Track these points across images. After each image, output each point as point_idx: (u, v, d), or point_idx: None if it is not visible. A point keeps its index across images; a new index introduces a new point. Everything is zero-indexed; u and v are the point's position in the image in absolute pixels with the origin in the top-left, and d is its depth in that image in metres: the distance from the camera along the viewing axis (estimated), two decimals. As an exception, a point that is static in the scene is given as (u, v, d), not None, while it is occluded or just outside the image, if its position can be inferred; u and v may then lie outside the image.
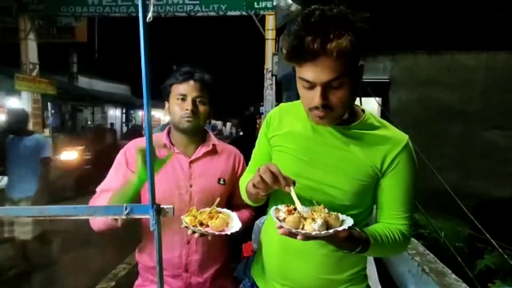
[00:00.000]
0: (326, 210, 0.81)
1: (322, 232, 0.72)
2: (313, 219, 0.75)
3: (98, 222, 1.15)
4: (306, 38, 0.75)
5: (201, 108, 1.21)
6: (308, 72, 0.79)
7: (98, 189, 1.21)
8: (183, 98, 1.19)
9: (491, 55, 5.51)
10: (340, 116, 0.88)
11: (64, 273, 3.30)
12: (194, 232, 0.97)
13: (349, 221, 0.78)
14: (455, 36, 5.45)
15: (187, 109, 1.18)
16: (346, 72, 0.78)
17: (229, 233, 0.98)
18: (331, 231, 0.73)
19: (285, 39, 0.79)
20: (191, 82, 1.19)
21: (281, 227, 0.75)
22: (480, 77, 5.56)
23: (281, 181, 0.80)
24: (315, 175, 0.92)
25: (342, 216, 0.81)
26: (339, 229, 0.74)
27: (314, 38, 0.74)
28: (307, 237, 0.73)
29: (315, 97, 0.81)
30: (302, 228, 0.74)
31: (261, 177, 0.81)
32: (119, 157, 1.23)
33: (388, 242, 0.88)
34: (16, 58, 10.70)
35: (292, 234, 0.74)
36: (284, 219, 0.78)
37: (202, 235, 0.97)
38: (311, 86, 0.81)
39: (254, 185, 0.84)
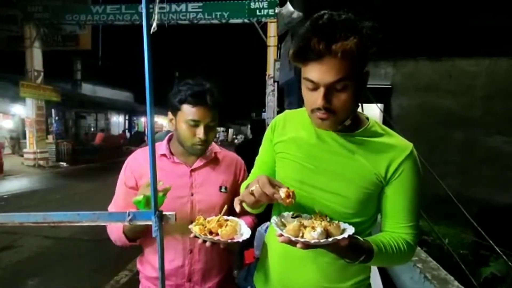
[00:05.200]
0: (328, 219, 0.80)
1: (321, 241, 0.71)
2: (313, 228, 0.74)
3: (118, 241, 1.18)
4: (312, 39, 0.76)
5: (212, 131, 1.19)
6: (313, 73, 0.79)
7: (109, 208, 1.23)
8: (195, 124, 1.14)
9: (493, 61, 5.52)
10: (342, 121, 0.86)
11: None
12: (205, 241, 0.94)
13: (350, 230, 0.76)
14: (457, 42, 5.47)
15: (200, 138, 1.14)
16: (350, 75, 0.78)
17: (240, 240, 0.96)
18: (330, 239, 0.72)
19: (292, 41, 0.82)
20: (204, 107, 1.13)
21: (281, 235, 0.75)
22: (481, 83, 5.57)
23: (267, 190, 0.79)
24: (319, 182, 0.90)
25: (343, 225, 0.79)
26: (339, 237, 0.72)
27: (320, 39, 0.75)
28: (307, 245, 0.73)
29: (318, 98, 0.80)
30: (302, 237, 0.74)
31: (252, 192, 0.82)
32: (121, 174, 1.24)
33: (392, 252, 0.86)
34: (21, 66, 10.84)
35: (292, 242, 0.74)
36: (285, 226, 0.78)
37: (213, 243, 0.96)
38: (315, 87, 0.81)
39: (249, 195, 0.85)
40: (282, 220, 0.84)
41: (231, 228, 0.97)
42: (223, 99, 1.23)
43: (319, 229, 0.73)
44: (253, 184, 0.83)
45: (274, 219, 0.84)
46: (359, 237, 0.82)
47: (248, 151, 1.40)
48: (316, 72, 0.79)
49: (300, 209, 0.92)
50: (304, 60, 0.80)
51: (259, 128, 3.51)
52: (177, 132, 1.19)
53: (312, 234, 0.72)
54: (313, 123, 0.90)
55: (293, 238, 0.73)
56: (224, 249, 1.02)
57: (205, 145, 1.18)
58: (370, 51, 0.79)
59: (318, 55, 0.76)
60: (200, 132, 1.14)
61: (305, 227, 0.76)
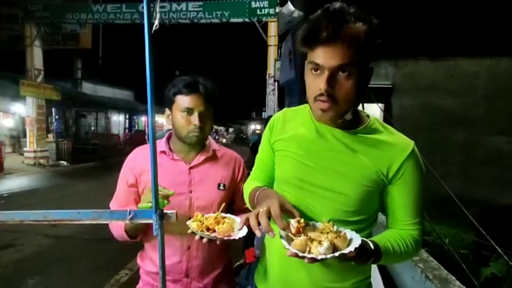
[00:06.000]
0: (335, 228, 0.80)
1: (328, 256, 0.72)
2: (320, 242, 0.74)
3: (119, 237, 1.20)
4: (322, 22, 0.77)
5: (208, 121, 1.21)
6: (319, 56, 0.79)
7: (111, 204, 1.25)
8: (189, 112, 1.16)
9: (494, 60, 5.51)
10: (343, 113, 0.85)
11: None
12: (202, 237, 0.96)
13: (356, 241, 0.76)
14: (458, 42, 5.46)
15: (195, 124, 1.16)
16: (356, 63, 0.78)
17: (237, 238, 0.97)
18: (336, 254, 0.72)
19: (298, 32, 0.84)
20: (197, 95, 1.16)
21: (288, 249, 0.75)
22: (483, 83, 5.55)
23: (279, 224, 0.78)
24: (319, 180, 0.89)
25: (350, 234, 0.79)
26: (346, 251, 0.73)
27: (329, 22, 0.76)
28: (314, 260, 0.73)
29: (321, 83, 0.80)
30: (309, 251, 0.74)
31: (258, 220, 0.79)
32: (122, 172, 1.26)
33: (400, 250, 0.87)
34: (21, 64, 10.85)
35: (299, 257, 0.74)
36: (293, 236, 0.78)
37: (210, 240, 0.97)
38: (319, 70, 0.81)
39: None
40: (289, 233, 0.82)
41: (228, 226, 0.98)
42: (219, 95, 1.25)
43: (325, 244, 0.73)
44: (261, 205, 0.83)
45: (281, 231, 0.82)
46: (367, 240, 0.82)
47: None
48: (322, 56, 0.79)
49: (301, 208, 0.91)
50: (312, 44, 0.81)
51: None
52: (174, 124, 1.20)
53: (319, 250, 0.73)
54: (314, 115, 0.89)
55: (300, 254, 0.73)
56: (221, 246, 1.03)
57: (200, 134, 1.18)
58: (376, 41, 0.79)
59: (326, 39, 0.77)
60: (195, 119, 1.16)
61: (311, 241, 0.76)
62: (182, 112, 1.17)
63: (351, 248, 0.73)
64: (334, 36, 0.76)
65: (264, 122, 3.84)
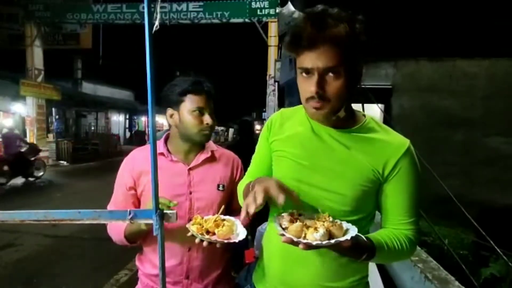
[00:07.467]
0: (331, 219, 0.79)
1: (324, 242, 0.71)
2: (316, 229, 0.73)
3: (118, 242, 1.21)
4: (305, 26, 0.80)
5: (214, 120, 1.22)
6: (306, 60, 0.82)
7: (108, 208, 1.24)
8: (201, 111, 1.19)
9: (493, 61, 5.52)
10: (336, 110, 0.86)
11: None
12: (202, 240, 0.96)
13: (353, 231, 0.76)
14: (457, 43, 5.47)
15: (207, 123, 1.19)
16: (343, 61, 0.80)
17: (236, 241, 0.97)
18: (332, 241, 0.71)
19: (288, 32, 0.86)
20: (206, 95, 1.20)
21: (283, 235, 0.75)
22: (482, 83, 5.57)
23: (280, 198, 0.77)
24: (316, 180, 0.90)
25: (346, 225, 0.79)
26: (342, 239, 0.72)
27: (312, 25, 0.79)
28: (309, 246, 0.71)
29: (311, 85, 0.82)
30: (304, 237, 0.73)
31: (254, 197, 0.79)
32: (119, 174, 1.26)
33: (394, 249, 0.87)
34: (21, 64, 10.84)
35: (294, 243, 0.72)
36: (286, 227, 0.77)
37: (210, 243, 0.97)
38: (309, 74, 0.83)
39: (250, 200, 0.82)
40: (284, 220, 0.83)
41: (227, 228, 0.98)
42: (217, 94, 1.27)
43: (321, 230, 0.72)
44: (258, 185, 0.82)
45: (276, 217, 0.83)
46: (361, 235, 0.82)
47: (236, 152, 1.41)
48: (309, 59, 0.81)
49: (299, 208, 0.91)
50: (298, 48, 0.83)
51: (247, 128, 3.57)
52: (182, 124, 1.20)
53: (314, 236, 0.72)
54: (308, 114, 0.90)
55: (295, 239, 0.72)
56: (222, 247, 1.03)
57: (210, 132, 1.22)
58: (360, 38, 0.81)
59: (311, 42, 0.79)
60: (207, 118, 1.19)
61: (307, 227, 0.75)
62: (194, 111, 1.18)
63: (347, 236, 0.73)
64: (317, 41, 0.79)
65: (239, 124, 3.84)
